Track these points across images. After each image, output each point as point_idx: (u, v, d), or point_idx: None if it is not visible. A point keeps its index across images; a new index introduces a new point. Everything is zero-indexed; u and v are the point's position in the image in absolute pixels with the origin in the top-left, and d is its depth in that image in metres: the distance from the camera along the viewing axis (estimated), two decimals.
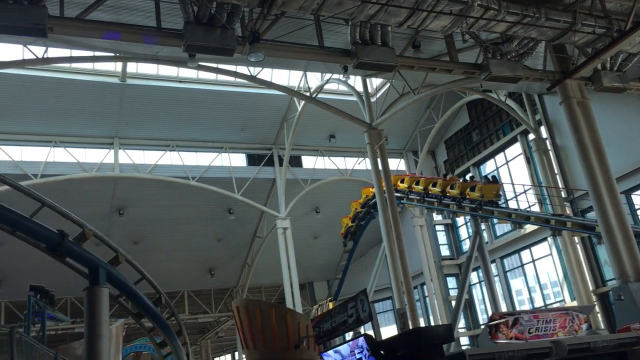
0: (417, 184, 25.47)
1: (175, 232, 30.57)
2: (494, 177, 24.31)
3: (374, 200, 24.22)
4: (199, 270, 34.36)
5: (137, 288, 14.42)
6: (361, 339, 7.24)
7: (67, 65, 23.11)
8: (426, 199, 24.98)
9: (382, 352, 7.07)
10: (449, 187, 23.71)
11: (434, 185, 24.44)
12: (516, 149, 27.59)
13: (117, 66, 24.30)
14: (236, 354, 44.20)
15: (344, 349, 7.65)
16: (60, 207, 11.53)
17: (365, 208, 27.87)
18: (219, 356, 47.64)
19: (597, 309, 22.28)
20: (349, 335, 9.10)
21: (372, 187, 26.02)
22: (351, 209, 28.73)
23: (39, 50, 15.79)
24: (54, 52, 17.34)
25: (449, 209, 24.20)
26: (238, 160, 30.01)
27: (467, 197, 22.80)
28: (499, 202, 22.95)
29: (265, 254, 32.54)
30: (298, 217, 29.68)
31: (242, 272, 35.93)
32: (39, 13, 11.76)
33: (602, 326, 21.80)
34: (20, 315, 26.06)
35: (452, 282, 31.11)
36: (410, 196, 25.93)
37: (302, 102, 26.71)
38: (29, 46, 15.70)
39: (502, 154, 28.66)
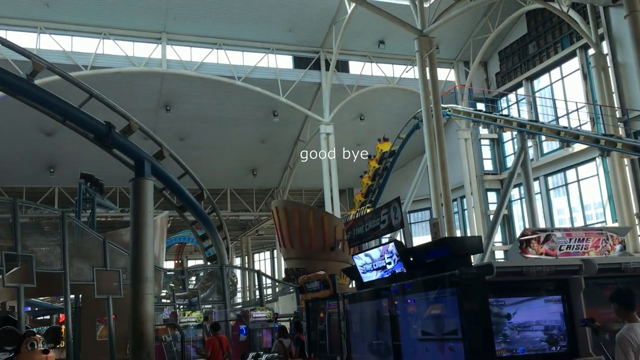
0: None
1: (220, 131, 31.04)
2: (384, 137, 28.60)
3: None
4: (242, 169, 35.13)
5: (181, 182, 14.94)
6: (391, 244, 7.36)
7: None
8: (474, 111, 24.46)
9: (410, 258, 7.20)
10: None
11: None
12: (573, 64, 26.35)
13: None
14: (275, 251, 45.95)
15: (374, 253, 7.82)
16: (108, 99, 11.81)
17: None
18: (258, 253, 49.60)
19: (639, 232, 21.98)
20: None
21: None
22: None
23: None
24: None
25: (495, 123, 23.71)
26: (284, 62, 29.69)
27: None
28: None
29: (307, 157, 32.84)
30: (342, 123, 29.59)
31: (283, 174, 36.60)
32: None
33: None
34: (72, 201, 27.50)
35: (492, 197, 30.99)
36: (457, 108, 25.44)
37: (352, 4, 25.80)
38: None
39: (558, 68, 27.45)
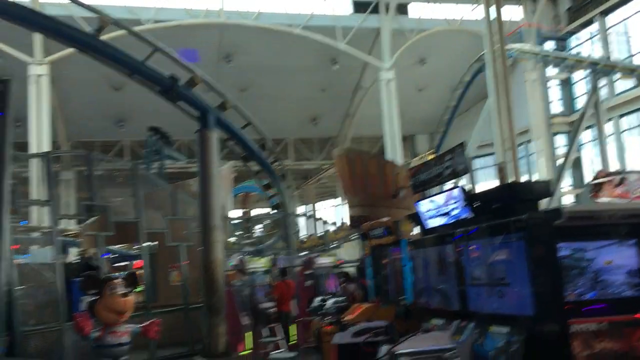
0: None
1: (280, 81, 31.07)
2: None
3: None
4: (302, 118, 35.23)
5: (244, 133, 15.17)
6: (456, 190, 7.30)
7: None
8: (542, 52, 23.41)
9: (476, 204, 7.13)
10: None
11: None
12: None
13: None
14: (338, 199, 46.26)
15: (439, 199, 7.78)
16: (172, 52, 11.99)
17: None
18: (321, 200, 50.12)
19: None
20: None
21: None
22: None
23: None
24: None
25: (565, 62, 22.66)
26: (343, 7, 29.11)
27: None
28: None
29: (368, 105, 32.54)
30: (402, 68, 28.97)
31: (344, 122, 36.45)
32: None
33: None
34: (141, 153, 28.48)
35: (560, 140, 29.87)
36: (524, 48, 24.40)
37: None
38: None
39: (634, 1, 25.67)
